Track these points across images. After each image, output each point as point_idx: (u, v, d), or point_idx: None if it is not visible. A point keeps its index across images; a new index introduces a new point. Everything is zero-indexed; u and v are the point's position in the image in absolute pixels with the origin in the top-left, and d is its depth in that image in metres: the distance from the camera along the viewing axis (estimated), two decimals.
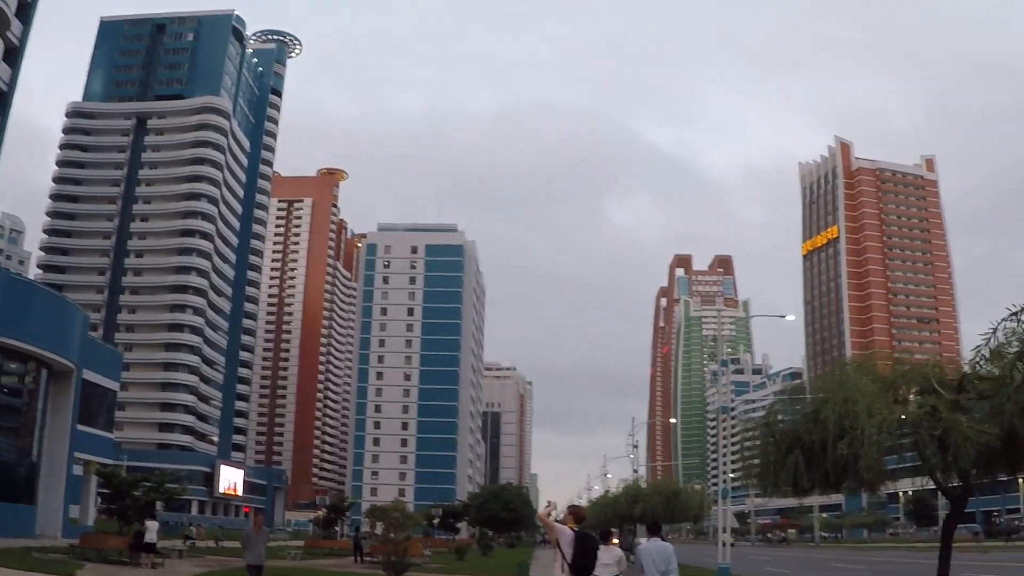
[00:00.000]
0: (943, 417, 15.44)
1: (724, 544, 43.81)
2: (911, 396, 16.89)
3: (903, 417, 16.10)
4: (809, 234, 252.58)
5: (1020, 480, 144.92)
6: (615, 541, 19.69)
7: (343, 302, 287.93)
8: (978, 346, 16.37)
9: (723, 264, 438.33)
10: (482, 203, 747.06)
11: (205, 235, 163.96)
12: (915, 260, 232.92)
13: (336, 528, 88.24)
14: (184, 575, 33.07)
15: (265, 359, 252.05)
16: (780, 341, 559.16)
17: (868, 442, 15.42)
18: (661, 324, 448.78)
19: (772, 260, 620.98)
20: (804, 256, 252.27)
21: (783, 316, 59.85)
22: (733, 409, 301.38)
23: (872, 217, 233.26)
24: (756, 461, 18.83)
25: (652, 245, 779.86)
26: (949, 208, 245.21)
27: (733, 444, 51.27)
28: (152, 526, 37.81)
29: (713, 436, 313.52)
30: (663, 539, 16.14)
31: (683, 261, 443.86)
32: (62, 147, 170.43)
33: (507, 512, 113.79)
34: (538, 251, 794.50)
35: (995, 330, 16.06)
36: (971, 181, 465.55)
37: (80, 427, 55.75)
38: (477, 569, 46.17)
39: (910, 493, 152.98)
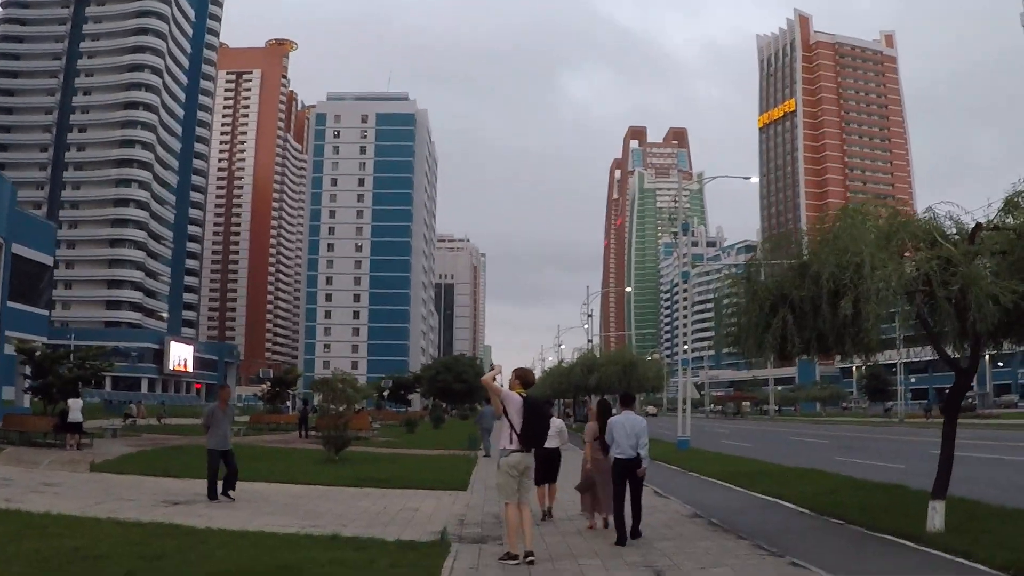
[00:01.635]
0: (960, 271, 13.23)
1: (685, 416, 42.23)
2: (910, 252, 14.52)
3: (915, 269, 13.73)
4: (766, 107, 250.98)
5: None
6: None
7: (294, 175, 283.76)
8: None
9: (677, 137, 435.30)
10: (437, 76, 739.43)
11: (150, 107, 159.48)
12: (872, 136, 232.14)
13: (288, 403, 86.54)
14: (110, 456, 30.72)
15: (216, 234, 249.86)
16: (734, 215, 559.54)
17: (873, 300, 13.16)
18: (615, 196, 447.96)
19: (728, 136, 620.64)
20: (760, 129, 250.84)
21: (747, 178, 57.73)
22: (685, 283, 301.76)
23: (830, 92, 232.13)
24: (735, 322, 16.47)
25: (609, 120, 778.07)
26: (908, 86, 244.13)
27: (694, 312, 49.40)
28: (75, 404, 35.48)
29: (667, 308, 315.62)
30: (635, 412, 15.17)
31: (638, 133, 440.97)
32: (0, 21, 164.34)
33: (460, 383, 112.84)
34: (493, 125, 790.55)
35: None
36: (930, 60, 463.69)
37: (11, 304, 52.71)
38: (426, 442, 44.32)
39: (863, 369, 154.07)
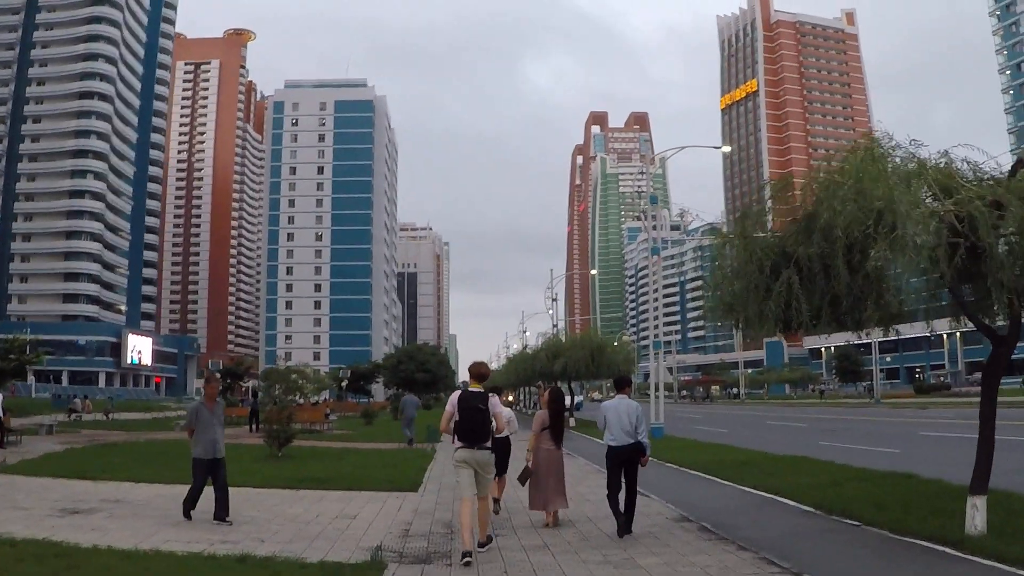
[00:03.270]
0: (1012, 211, 10.67)
1: (658, 401, 39.73)
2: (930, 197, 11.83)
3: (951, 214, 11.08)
4: (728, 88, 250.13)
5: (945, 335, 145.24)
6: (506, 398, 16.70)
7: (254, 165, 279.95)
8: None
9: (639, 121, 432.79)
10: (397, 64, 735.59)
11: (105, 97, 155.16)
12: (835, 115, 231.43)
13: (246, 396, 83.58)
14: (34, 455, 27.88)
15: (176, 226, 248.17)
16: (697, 198, 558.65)
17: (911, 249, 10.56)
18: (577, 182, 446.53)
19: (690, 119, 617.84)
20: (723, 110, 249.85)
21: (718, 147, 55.19)
22: (657, 255, 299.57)
23: (792, 71, 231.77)
24: (728, 289, 13.77)
25: (571, 106, 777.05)
26: (869, 64, 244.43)
27: (665, 293, 46.82)
28: None
29: (632, 292, 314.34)
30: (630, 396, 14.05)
31: (599, 118, 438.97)
32: None
33: (423, 373, 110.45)
34: (455, 112, 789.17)
35: None
36: (891, 38, 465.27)
37: None
38: (382, 435, 41.46)
39: (832, 349, 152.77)
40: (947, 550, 11.39)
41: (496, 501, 15.70)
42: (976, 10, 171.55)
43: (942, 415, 53.12)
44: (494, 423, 12.34)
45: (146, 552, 11.40)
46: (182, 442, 36.06)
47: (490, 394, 12.37)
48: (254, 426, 46.72)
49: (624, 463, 13.36)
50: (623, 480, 13.44)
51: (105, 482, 20.34)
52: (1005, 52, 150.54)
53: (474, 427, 11.88)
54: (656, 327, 41.62)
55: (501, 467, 15.76)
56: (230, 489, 19.28)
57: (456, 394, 12.19)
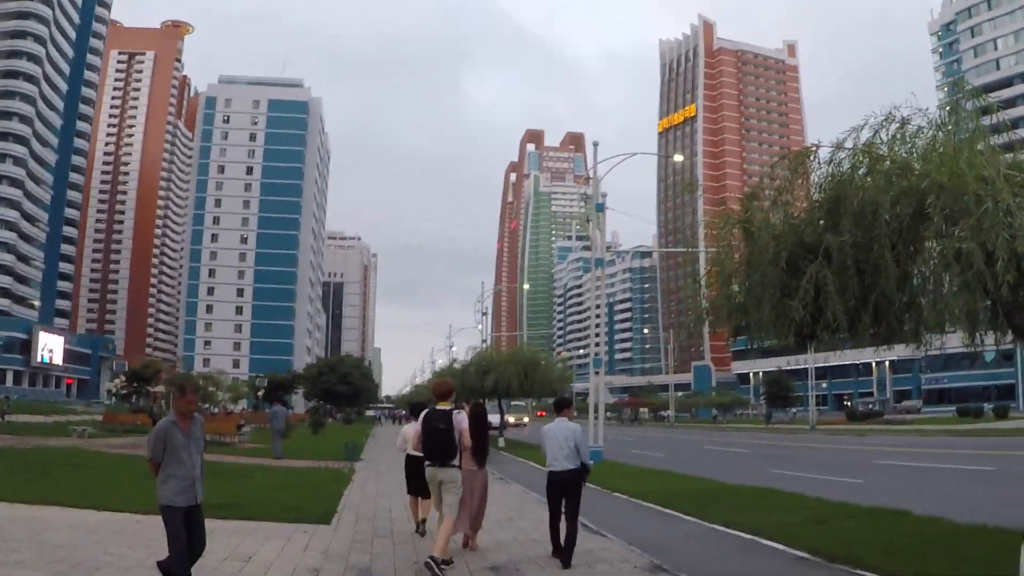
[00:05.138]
0: None
1: (597, 422, 36.92)
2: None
3: None
4: (666, 111, 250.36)
5: (874, 363, 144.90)
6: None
7: (183, 163, 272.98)
8: None
9: (574, 141, 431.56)
10: (338, 70, 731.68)
11: (31, 78, 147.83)
12: (772, 143, 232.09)
13: (156, 400, 79.87)
14: None
15: (99, 220, 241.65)
16: (630, 220, 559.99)
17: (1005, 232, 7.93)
18: (510, 199, 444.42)
19: (628, 142, 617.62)
20: (660, 133, 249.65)
21: (670, 156, 52.76)
22: (579, 287, 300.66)
23: (731, 98, 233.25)
24: (735, 290, 11.02)
25: (510, 124, 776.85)
26: (808, 95, 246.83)
27: (589, 315, 44.14)
28: None
29: (560, 311, 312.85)
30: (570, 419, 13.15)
31: (535, 136, 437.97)
32: None
33: (345, 385, 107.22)
34: (393, 123, 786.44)
35: None
36: (833, 70, 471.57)
37: None
38: (298, 451, 38.11)
39: (761, 375, 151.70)
40: None
41: (422, 523, 15.29)
42: (919, 47, 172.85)
43: (887, 442, 51.78)
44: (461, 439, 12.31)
45: None
46: (77, 451, 32.69)
47: (455, 410, 12.40)
48: None
49: (564, 489, 12.58)
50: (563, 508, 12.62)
51: None
52: (946, 89, 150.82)
53: (437, 445, 12.12)
54: (597, 343, 38.71)
55: (425, 488, 14.11)
56: (106, 513, 16.10)
57: (423, 413, 12.57)
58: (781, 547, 13.58)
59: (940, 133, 9.90)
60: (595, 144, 39.66)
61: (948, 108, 10.53)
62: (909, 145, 9.75)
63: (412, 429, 15.52)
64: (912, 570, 11.03)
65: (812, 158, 10.52)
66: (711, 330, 12.77)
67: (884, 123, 10.10)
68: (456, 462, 12.19)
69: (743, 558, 13.17)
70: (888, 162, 9.49)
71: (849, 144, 10.20)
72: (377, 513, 18.27)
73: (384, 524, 16.53)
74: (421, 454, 14.05)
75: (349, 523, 16.39)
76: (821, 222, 9.95)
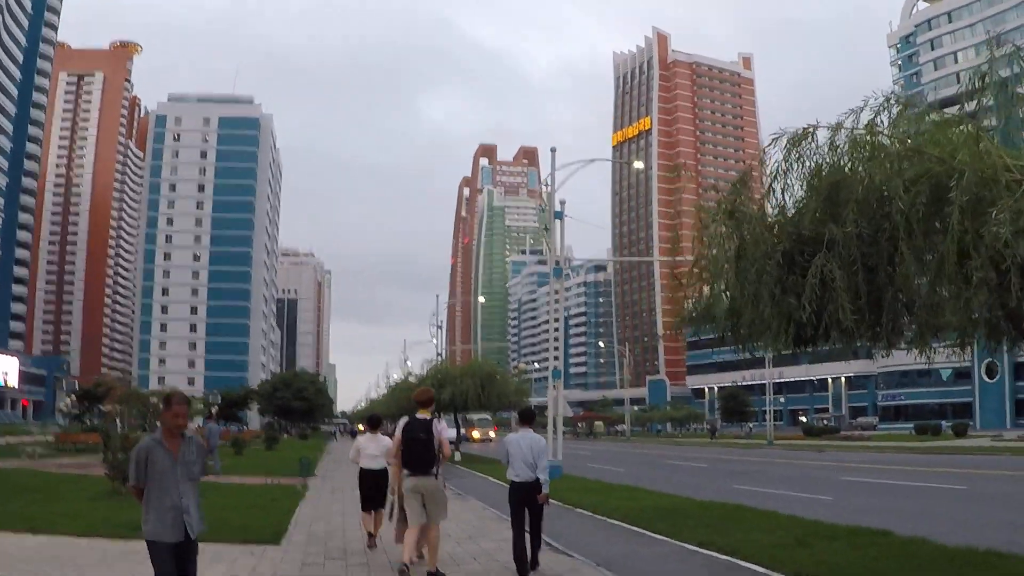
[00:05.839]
0: None
1: (556, 436, 36.01)
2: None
3: None
4: (620, 124, 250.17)
5: (830, 379, 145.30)
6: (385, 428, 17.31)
7: (134, 183, 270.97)
8: None
9: (528, 156, 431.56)
10: (289, 87, 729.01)
11: None
12: (727, 156, 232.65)
13: (109, 418, 77.63)
14: None
15: (52, 243, 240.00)
16: (585, 237, 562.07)
17: None
18: (463, 214, 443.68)
19: (582, 157, 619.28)
20: (614, 147, 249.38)
21: (630, 163, 52.06)
22: (534, 301, 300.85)
23: (686, 111, 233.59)
24: (722, 288, 10.13)
25: (464, 139, 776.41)
26: (764, 108, 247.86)
27: (542, 329, 43.34)
28: None
29: (515, 325, 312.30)
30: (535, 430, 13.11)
31: (488, 151, 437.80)
32: None
33: (300, 400, 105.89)
34: (345, 139, 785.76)
35: None
36: (788, 82, 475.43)
37: None
38: (251, 468, 37.07)
39: (716, 389, 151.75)
40: None
41: (371, 536, 15.07)
42: (877, 59, 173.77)
43: (848, 458, 51.32)
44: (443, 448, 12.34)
45: None
46: (24, 472, 31.31)
47: (435, 419, 12.28)
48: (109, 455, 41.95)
49: (528, 500, 12.42)
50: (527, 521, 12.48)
51: None
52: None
53: (417, 455, 12.00)
54: (556, 355, 37.86)
55: (378, 501, 15.15)
56: (44, 536, 15.02)
57: (402, 421, 12.33)
58: (763, 570, 12.70)
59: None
60: (552, 150, 38.84)
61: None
62: (915, 128, 8.98)
63: (368, 441, 15.62)
64: None
65: (810, 139, 9.62)
66: (695, 335, 11.78)
67: (885, 105, 9.33)
68: (436, 471, 12.10)
69: None
70: (896, 144, 8.70)
71: (848, 124, 9.39)
72: (330, 532, 17.25)
73: (337, 544, 15.51)
74: (375, 467, 14.98)
75: (300, 543, 15.41)
76: (817, 213, 9.12)
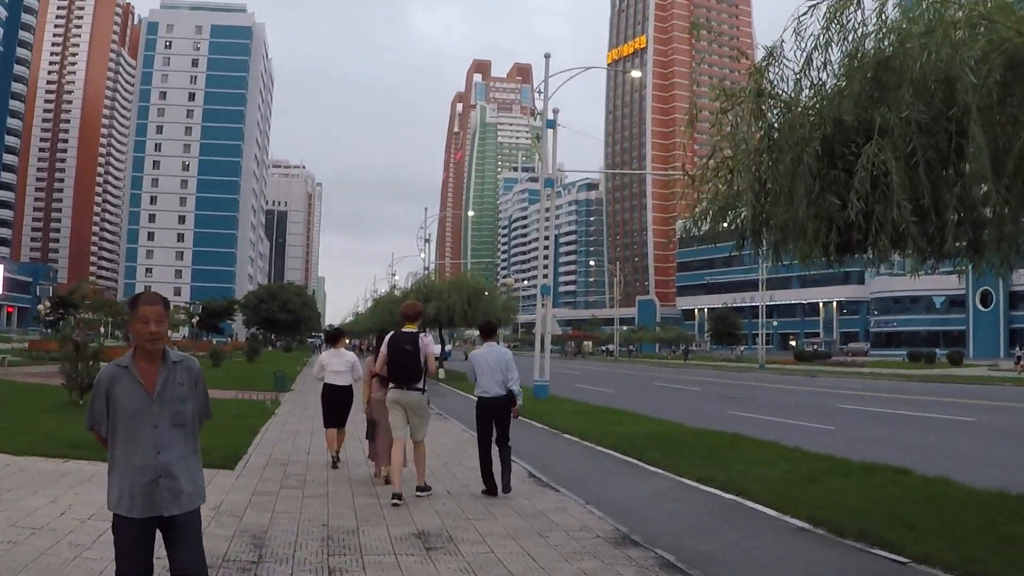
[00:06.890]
0: None
1: (543, 355, 34.69)
2: None
3: None
4: (615, 43, 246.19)
5: (821, 304, 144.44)
6: (345, 342, 16.92)
7: (126, 91, 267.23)
8: None
9: (522, 73, 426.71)
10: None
11: None
12: (723, 78, 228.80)
13: (82, 327, 76.31)
14: None
15: (42, 150, 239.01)
16: (577, 153, 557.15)
17: None
18: (456, 130, 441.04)
19: (577, 78, 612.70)
20: (609, 65, 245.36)
21: (627, 72, 50.22)
22: (525, 218, 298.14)
23: (682, 30, 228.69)
24: (757, 181, 8.44)
25: (458, 56, 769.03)
26: (760, 29, 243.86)
27: (531, 247, 41.89)
28: None
29: (504, 242, 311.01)
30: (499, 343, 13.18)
31: (482, 67, 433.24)
32: None
33: (285, 313, 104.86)
34: (340, 53, 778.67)
35: None
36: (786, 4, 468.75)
37: None
38: (227, 381, 35.61)
39: (706, 311, 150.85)
40: None
41: (336, 458, 14.57)
42: None
43: (842, 384, 50.80)
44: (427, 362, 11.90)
45: None
46: None
47: (421, 333, 12.04)
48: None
49: (495, 416, 12.37)
50: (494, 435, 12.40)
51: None
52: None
53: (403, 368, 11.76)
54: (545, 273, 36.40)
55: (340, 419, 14.81)
56: None
57: (389, 335, 12.20)
58: (772, 513, 11.22)
59: None
60: (546, 56, 37.27)
61: None
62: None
63: (331, 356, 15.07)
64: (953, 554, 8.73)
65: (853, 8, 7.92)
66: (711, 237, 10.05)
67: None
68: (421, 385, 11.84)
69: (728, 527, 10.69)
70: (960, 11, 7.09)
71: None
72: (293, 455, 15.83)
73: (297, 470, 14.02)
74: (340, 383, 14.74)
75: (256, 468, 13.94)
76: (861, 96, 7.51)
